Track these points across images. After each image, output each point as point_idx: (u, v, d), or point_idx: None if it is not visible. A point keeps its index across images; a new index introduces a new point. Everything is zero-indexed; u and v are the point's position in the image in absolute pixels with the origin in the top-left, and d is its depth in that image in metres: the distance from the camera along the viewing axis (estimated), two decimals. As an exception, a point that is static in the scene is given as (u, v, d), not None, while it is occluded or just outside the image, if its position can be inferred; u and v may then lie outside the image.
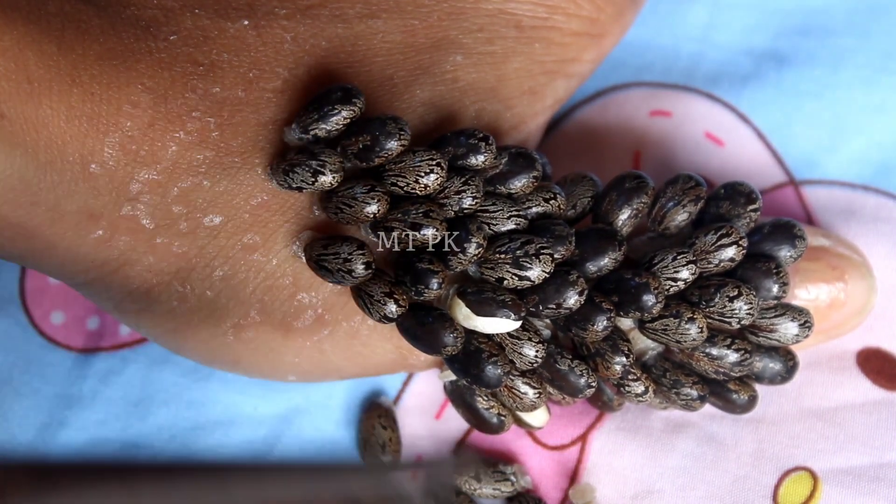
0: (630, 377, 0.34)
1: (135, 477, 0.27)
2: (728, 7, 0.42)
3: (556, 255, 0.33)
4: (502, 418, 0.35)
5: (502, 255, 0.32)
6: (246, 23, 0.33)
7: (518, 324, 0.33)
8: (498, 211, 0.33)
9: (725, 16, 0.42)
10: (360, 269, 0.32)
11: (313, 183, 0.32)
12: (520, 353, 0.33)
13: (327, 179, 0.32)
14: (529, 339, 0.33)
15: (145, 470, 0.27)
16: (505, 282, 0.32)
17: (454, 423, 0.38)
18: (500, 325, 0.33)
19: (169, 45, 0.32)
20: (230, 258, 0.33)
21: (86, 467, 0.27)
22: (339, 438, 0.38)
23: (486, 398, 0.35)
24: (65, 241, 0.32)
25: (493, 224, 0.33)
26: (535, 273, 0.32)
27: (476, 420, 0.35)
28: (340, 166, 0.32)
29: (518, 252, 0.32)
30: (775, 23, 0.42)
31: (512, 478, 0.37)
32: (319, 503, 0.29)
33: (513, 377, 0.34)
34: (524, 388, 0.34)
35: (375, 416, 0.38)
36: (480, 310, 0.32)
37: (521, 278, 0.32)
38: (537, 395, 0.34)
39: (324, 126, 0.32)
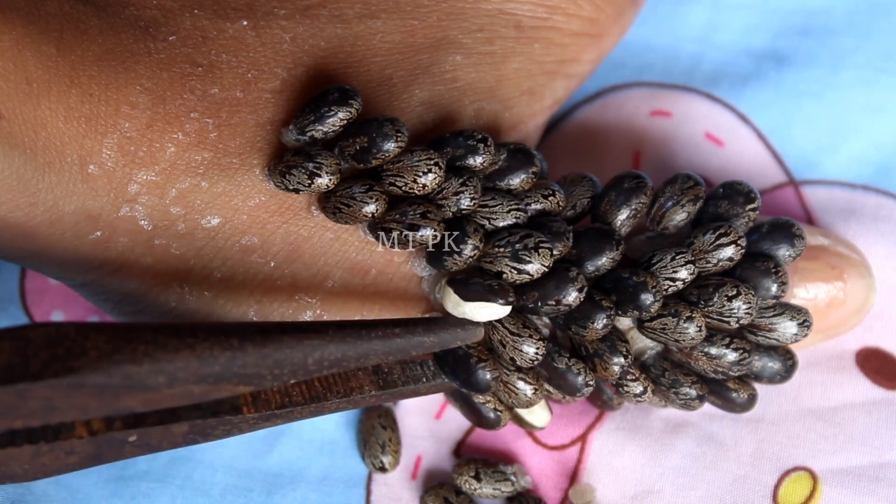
0: (628, 377, 0.34)
1: (206, 342, 0.28)
2: (728, 7, 0.42)
3: (554, 251, 0.33)
4: (498, 413, 0.35)
5: (501, 249, 0.32)
6: (245, 23, 0.33)
7: (507, 310, 0.33)
8: (497, 205, 0.33)
9: (725, 16, 0.42)
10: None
11: (310, 185, 0.32)
12: (520, 351, 0.33)
13: (324, 181, 0.32)
14: (530, 337, 0.33)
15: (215, 333, 0.28)
16: (504, 275, 0.32)
17: (454, 423, 0.38)
18: (488, 310, 0.32)
19: (168, 45, 0.32)
20: (228, 259, 0.33)
21: (161, 330, 0.28)
22: (339, 438, 0.38)
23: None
24: (63, 241, 0.32)
25: (492, 219, 0.33)
26: (535, 267, 0.32)
27: (473, 415, 0.35)
28: (337, 168, 0.32)
29: (517, 245, 0.32)
30: (775, 23, 0.42)
31: (512, 478, 0.37)
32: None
33: (508, 373, 0.34)
34: (521, 385, 0.34)
35: (375, 416, 0.38)
36: (467, 294, 0.32)
37: (519, 272, 0.32)
38: (534, 392, 0.34)
39: (320, 127, 0.32)
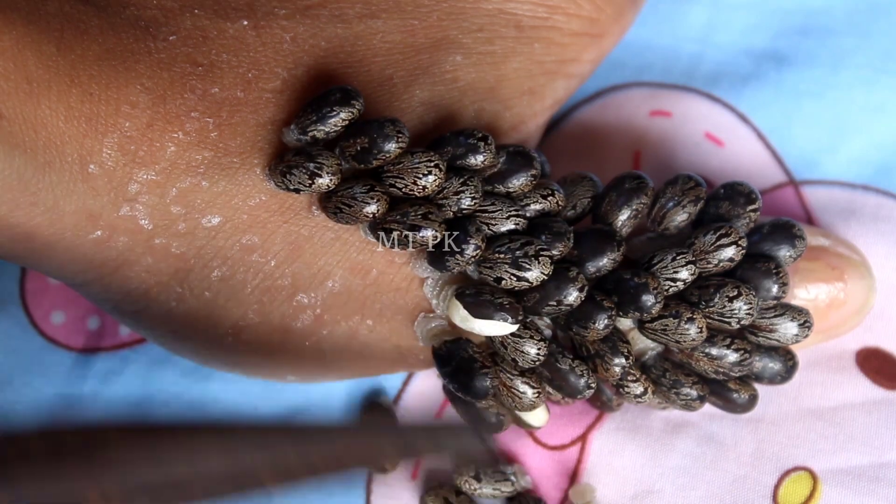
0: (629, 378, 0.34)
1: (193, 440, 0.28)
2: (728, 7, 0.42)
3: (554, 254, 0.33)
4: (501, 417, 0.35)
5: (501, 256, 0.32)
6: (245, 23, 0.33)
7: (515, 327, 0.33)
8: (497, 211, 0.33)
9: (725, 16, 0.42)
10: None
11: (310, 185, 0.32)
12: (521, 352, 0.33)
13: (324, 181, 0.32)
14: (531, 338, 0.33)
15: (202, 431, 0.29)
16: (503, 282, 0.32)
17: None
18: (497, 327, 0.33)
19: (168, 45, 0.32)
20: (228, 259, 0.33)
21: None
22: (339, 438, 0.38)
23: None
24: (63, 241, 0.32)
25: (492, 224, 0.33)
26: (534, 275, 0.32)
27: (474, 419, 0.35)
28: (338, 168, 0.32)
29: (518, 253, 0.32)
30: (775, 23, 0.41)
31: (512, 478, 0.37)
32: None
33: (511, 377, 0.34)
34: (523, 388, 0.34)
35: (375, 416, 0.38)
36: (477, 312, 0.33)
37: (519, 279, 0.32)
38: (536, 395, 0.34)
39: (322, 128, 0.32)
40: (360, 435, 0.31)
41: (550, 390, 0.34)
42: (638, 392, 0.34)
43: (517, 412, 0.35)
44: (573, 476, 0.37)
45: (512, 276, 0.32)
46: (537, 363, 0.33)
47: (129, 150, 0.31)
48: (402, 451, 0.32)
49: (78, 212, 0.31)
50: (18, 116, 0.30)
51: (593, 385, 0.34)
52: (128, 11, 0.32)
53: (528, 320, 0.33)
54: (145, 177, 0.31)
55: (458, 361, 0.33)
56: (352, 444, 0.30)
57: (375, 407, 0.38)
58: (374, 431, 0.31)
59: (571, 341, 0.34)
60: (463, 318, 0.33)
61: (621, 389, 0.34)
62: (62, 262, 0.32)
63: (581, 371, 0.33)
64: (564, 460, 0.37)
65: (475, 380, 0.33)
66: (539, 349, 0.33)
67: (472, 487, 0.36)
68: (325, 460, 0.29)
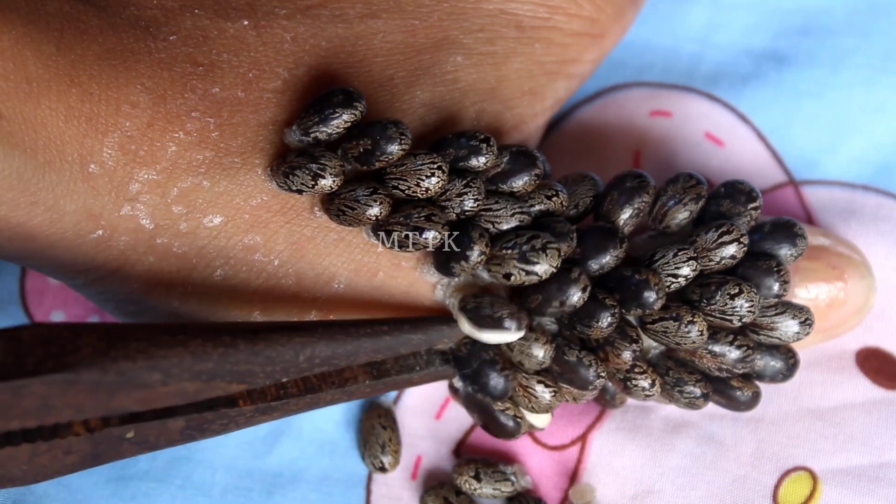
0: (636, 370, 0.34)
1: (198, 339, 0.29)
2: (728, 7, 0.42)
3: (562, 247, 0.33)
4: (518, 420, 0.35)
5: (509, 251, 0.32)
6: (246, 23, 0.33)
7: (521, 334, 0.33)
8: (501, 209, 0.33)
9: (725, 16, 0.42)
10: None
11: (313, 186, 0.32)
12: (528, 354, 0.33)
13: (327, 183, 0.32)
14: (536, 340, 0.33)
15: (207, 331, 0.30)
16: (512, 277, 0.32)
17: (454, 423, 0.38)
18: (503, 337, 0.33)
19: (168, 45, 0.32)
20: (231, 259, 0.33)
21: (154, 329, 0.29)
22: (339, 438, 0.38)
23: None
24: (64, 241, 0.32)
25: (496, 222, 0.33)
26: (543, 268, 0.32)
27: (491, 423, 0.35)
28: (341, 169, 0.32)
29: (525, 247, 0.32)
30: (775, 23, 0.42)
31: (512, 478, 0.37)
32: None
33: (528, 377, 0.34)
34: (539, 389, 0.34)
35: (375, 416, 0.38)
36: (480, 324, 0.33)
37: (528, 273, 0.32)
38: (553, 395, 0.34)
39: (324, 129, 0.32)
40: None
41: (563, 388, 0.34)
42: (646, 384, 0.34)
43: (528, 413, 0.35)
44: (573, 476, 0.37)
45: (521, 271, 0.32)
46: (544, 364, 0.33)
47: (130, 150, 0.31)
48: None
49: (78, 211, 0.31)
50: (18, 116, 0.30)
51: (603, 375, 0.33)
52: (128, 11, 0.32)
53: (533, 323, 0.33)
54: (146, 176, 0.31)
55: (479, 363, 0.33)
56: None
57: (375, 407, 0.38)
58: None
59: (578, 336, 0.34)
60: (470, 329, 0.33)
61: (629, 383, 0.34)
62: (63, 262, 0.32)
63: (589, 361, 0.33)
64: (564, 460, 0.37)
65: (495, 380, 0.33)
66: (546, 351, 0.33)
67: (472, 487, 0.36)
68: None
